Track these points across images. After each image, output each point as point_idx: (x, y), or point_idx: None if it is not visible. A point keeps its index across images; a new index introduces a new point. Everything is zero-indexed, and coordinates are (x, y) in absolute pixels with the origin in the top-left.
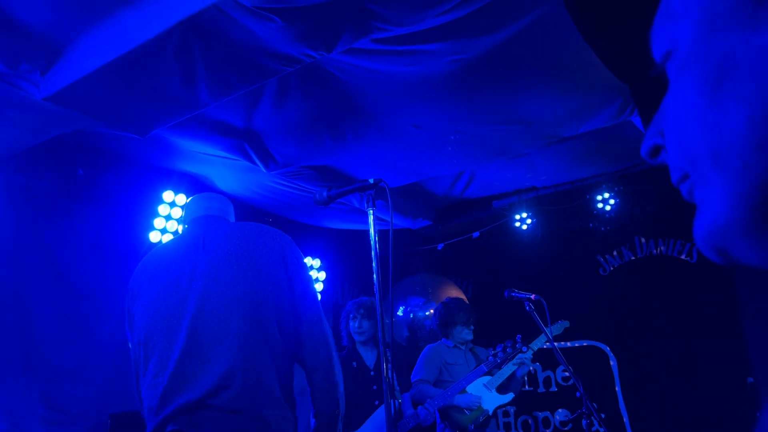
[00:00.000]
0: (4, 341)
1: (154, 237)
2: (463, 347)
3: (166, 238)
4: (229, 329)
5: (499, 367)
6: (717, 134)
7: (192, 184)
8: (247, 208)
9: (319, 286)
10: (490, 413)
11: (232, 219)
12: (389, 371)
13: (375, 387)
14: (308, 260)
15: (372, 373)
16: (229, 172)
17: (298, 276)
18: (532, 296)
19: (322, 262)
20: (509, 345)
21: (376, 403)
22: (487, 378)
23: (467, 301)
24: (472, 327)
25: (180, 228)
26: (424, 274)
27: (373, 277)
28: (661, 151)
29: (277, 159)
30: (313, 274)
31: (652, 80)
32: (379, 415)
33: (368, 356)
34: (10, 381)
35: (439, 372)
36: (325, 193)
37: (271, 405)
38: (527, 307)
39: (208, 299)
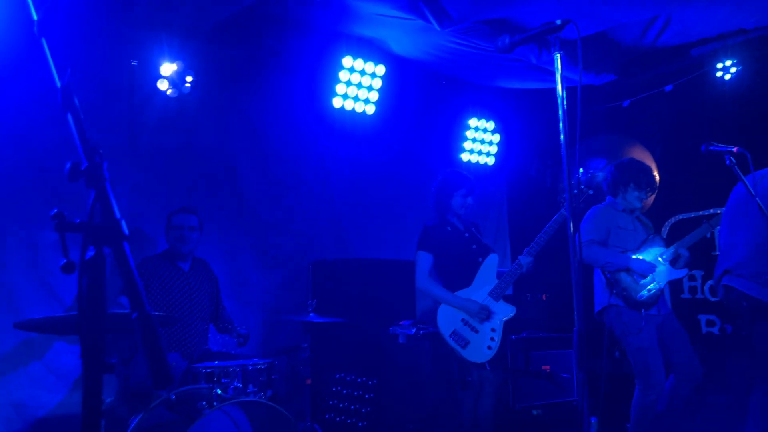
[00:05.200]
0: (221, 197)
1: (336, 102)
2: (631, 213)
3: (348, 104)
4: None
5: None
6: None
7: (369, 49)
8: (421, 71)
9: (492, 149)
10: (662, 286)
11: None
12: (577, 240)
13: (474, 246)
14: (482, 122)
15: (466, 235)
16: (403, 34)
17: None
18: (734, 149)
19: (496, 124)
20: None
21: (480, 260)
22: (661, 249)
23: (653, 164)
24: (645, 195)
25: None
26: (606, 135)
27: (559, 138)
28: None
29: (451, 14)
30: (486, 136)
31: None
32: (485, 270)
33: (458, 222)
34: (229, 231)
35: (607, 235)
36: (507, 39)
37: None
38: (727, 162)
39: None
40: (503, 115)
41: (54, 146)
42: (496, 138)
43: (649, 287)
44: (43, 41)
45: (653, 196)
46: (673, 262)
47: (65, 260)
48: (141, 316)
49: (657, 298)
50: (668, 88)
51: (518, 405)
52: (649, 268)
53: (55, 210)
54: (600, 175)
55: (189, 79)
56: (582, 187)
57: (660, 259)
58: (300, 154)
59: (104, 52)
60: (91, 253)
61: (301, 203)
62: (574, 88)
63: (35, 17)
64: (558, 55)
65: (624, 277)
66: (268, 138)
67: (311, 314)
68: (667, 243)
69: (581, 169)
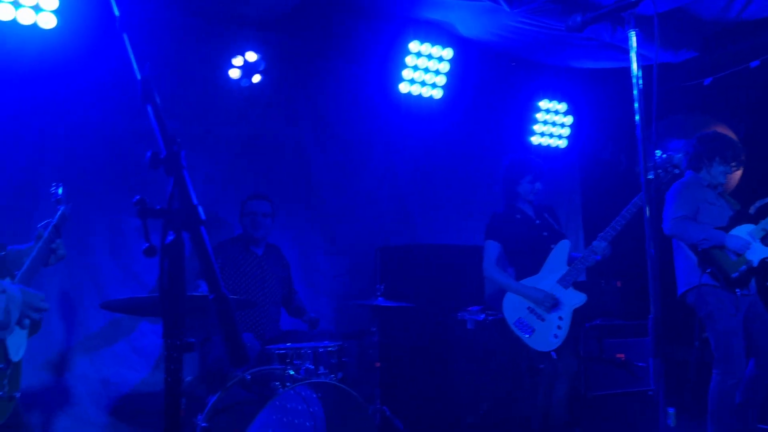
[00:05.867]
0: (290, 185)
1: (403, 88)
2: (715, 189)
3: (415, 89)
4: None
5: None
6: None
7: (437, 33)
8: (489, 53)
9: (564, 131)
10: (755, 265)
11: None
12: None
13: (545, 233)
14: (553, 104)
15: (537, 222)
16: (470, 16)
17: None
18: None
19: (568, 105)
20: None
21: (552, 246)
22: (750, 226)
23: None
24: (730, 169)
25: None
26: (684, 115)
27: (635, 118)
28: None
29: None
30: (558, 118)
31: None
32: (555, 256)
33: (528, 208)
34: (298, 219)
35: (696, 211)
36: (578, 18)
37: None
38: None
39: None
40: (576, 97)
41: (135, 136)
42: (569, 120)
43: (742, 266)
44: (125, 36)
45: (739, 173)
46: (763, 240)
47: (147, 244)
48: (218, 297)
49: (749, 279)
50: (754, 63)
51: (590, 393)
52: (744, 245)
53: (138, 197)
54: (678, 156)
55: (260, 70)
56: (668, 166)
57: (750, 236)
58: (367, 140)
59: (178, 44)
60: (171, 237)
61: (368, 190)
62: (651, 66)
63: (117, 13)
64: (633, 32)
65: (717, 254)
66: (336, 125)
67: (379, 299)
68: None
69: (658, 151)
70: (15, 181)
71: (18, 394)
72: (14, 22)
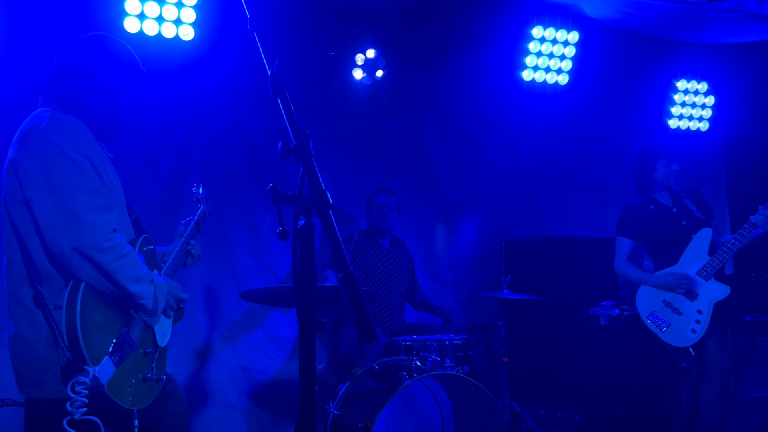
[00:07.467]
0: (412, 180)
1: (526, 75)
2: None
3: (539, 75)
4: None
5: None
6: None
7: (562, 16)
8: (619, 34)
9: (706, 113)
10: None
11: None
12: None
13: (684, 222)
14: (692, 84)
15: (674, 210)
16: None
17: None
18: None
19: (709, 85)
20: None
21: (692, 236)
22: None
23: None
24: None
25: None
26: None
27: None
28: None
29: None
30: (698, 99)
31: None
32: (695, 246)
33: (665, 197)
34: (420, 213)
35: None
36: None
37: None
38: None
39: None
40: (717, 75)
41: (267, 136)
42: (710, 100)
43: None
44: (255, 36)
45: None
46: None
47: (280, 228)
48: (346, 276)
49: None
50: None
51: (741, 396)
52: None
53: (271, 185)
54: None
55: (381, 66)
56: None
57: None
58: (489, 131)
59: (301, 45)
60: (302, 221)
61: (490, 182)
62: None
63: (248, 14)
64: None
65: None
66: (457, 118)
67: (505, 291)
68: None
69: None
70: (163, 183)
71: (164, 377)
72: (159, 36)
